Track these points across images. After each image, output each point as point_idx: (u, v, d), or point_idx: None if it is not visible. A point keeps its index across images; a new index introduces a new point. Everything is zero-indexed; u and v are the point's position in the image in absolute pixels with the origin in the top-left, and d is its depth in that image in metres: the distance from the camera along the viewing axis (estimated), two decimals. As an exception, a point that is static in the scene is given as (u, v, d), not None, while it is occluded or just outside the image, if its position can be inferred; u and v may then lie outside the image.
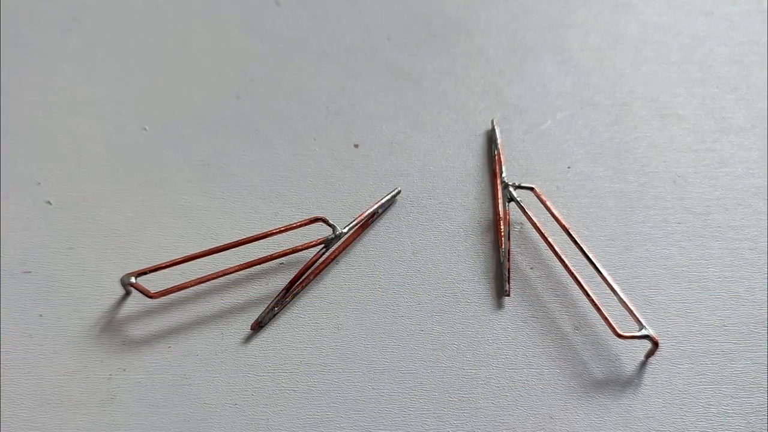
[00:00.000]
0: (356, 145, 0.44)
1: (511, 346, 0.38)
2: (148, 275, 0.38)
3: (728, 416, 0.36)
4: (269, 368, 0.38)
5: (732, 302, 0.39)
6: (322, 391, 0.37)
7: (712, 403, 0.36)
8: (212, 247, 0.39)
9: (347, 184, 0.44)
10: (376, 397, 0.37)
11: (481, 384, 0.37)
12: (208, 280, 0.39)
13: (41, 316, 0.39)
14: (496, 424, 0.36)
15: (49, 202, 0.43)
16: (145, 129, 0.46)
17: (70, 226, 0.42)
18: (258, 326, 0.39)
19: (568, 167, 0.43)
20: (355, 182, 0.44)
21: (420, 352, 0.38)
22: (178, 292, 0.39)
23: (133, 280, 0.38)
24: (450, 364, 0.38)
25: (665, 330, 0.38)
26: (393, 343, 0.38)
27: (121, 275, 0.38)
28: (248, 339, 0.39)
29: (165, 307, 0.39)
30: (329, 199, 0.43)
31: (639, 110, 0.46)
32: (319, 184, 0.44)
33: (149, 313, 0.39)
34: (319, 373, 0.38)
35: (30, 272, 0.40)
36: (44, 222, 0.42)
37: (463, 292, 0.40)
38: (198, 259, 0.39)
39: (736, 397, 0.36)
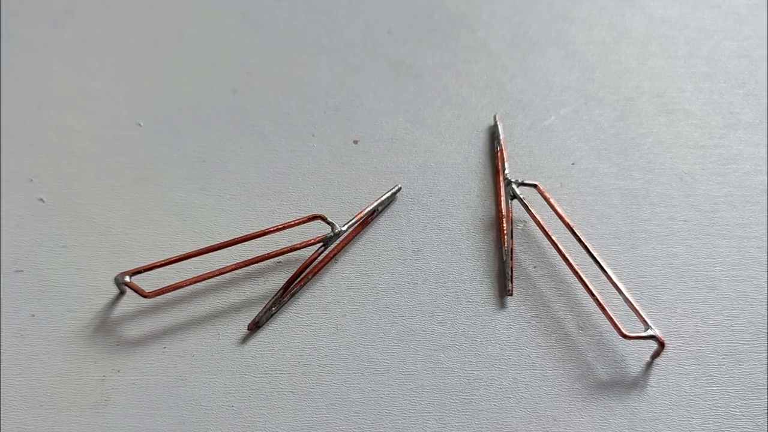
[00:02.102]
0: (356, 141, 0.44)
1: (513, 347, 0.38)
2: (142, 274, 0.38)
3: (735, 418, 0.35)
4: (267, 369, 0.37)
5: (740, 302, 0.38)
6: (320, 392, 0.36)
7: (719, 405, 0.36)
8: (208, 245, 0.38)
9: (346, 181, 0.43)
10: (376, 398, 0.36)
11: (483, 386, 0.36)
12: (204, 279, 0.38)
13: (34, 316, 0.38)
14: (499, 426, 0.35)
15: (41, 200, 0.42)
16: (140, 125, 0.45)
17: (63, 223, 0.41)
18: (255, 326, 0.38)
19: (573, 164, 0.42)
20: (355, 179, 0.43)
21: (421, 353, 0.37)
22: (174, 292, 0.38)
23: (127, 279, 0.37)
24: (451, 365, 0.37)
25: (671, 330, 0.37)
26: (393, 344, 0.38)
27: (115, 274, 0.38)
28: (245, 339, 0.38)
29: (160, 306, 0.39)
30: (328, 197, 0.42)
31: (645, 106, 0.45)
32: (317, 182, 0.43)
33: (144, 313, 0.39)
34: (318, 374, 0.37)
35: (22, 271, 0.40)
36: (37, 220, 0.41)
37: (465, 291, 0.39)
38: (194, 258, 0.38)
39: (743, 399, 0.36)
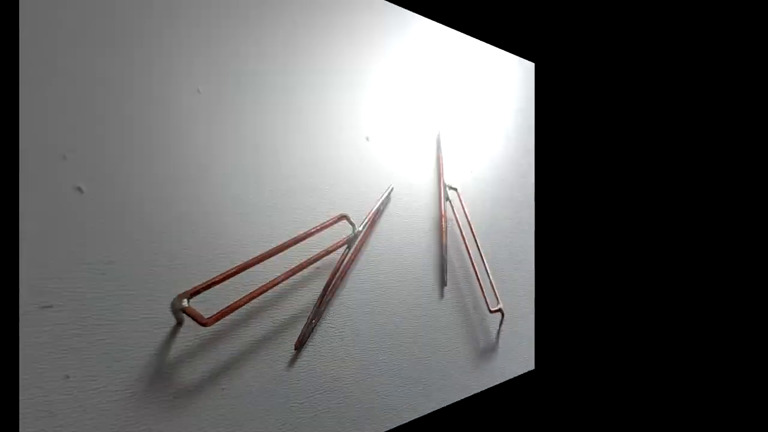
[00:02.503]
0: (367, 138, 0.40)
1: (445, 330, 0.43)
2: (201, 294, 0.28)
3: (511, 353, 0.51)
4: (309, 390, 0.33)
5: (523, 278, 0.53)
6: (347, 405, 0.35)
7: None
8: (265, 252, 0.31)
9: (357, 178, 0.39)
10: (378, 399, 0.38)
11: (435, 369, 0.42)
12: (260, 294, 0.30)
13: (68, 377, 0.24)
14: (441, 401, 0.42)
15: (79, 189, 0.24)
16: (198, 91, 0.30)
17: (111, 226, 0.25)
18: (300, 344, 0.33)
19: (471, 172, 0.49)
20: (362, 177, 0.39)
21: (403, 348, 0.40)
22: (231, 314, 0.29)
23: (185, 303, 0.27)
24: (420, 355, 0.41)
25: (506, 303, 0.50)
26: (391, 342, 0.39)
27: (172, 297, 0.27)
28: (293, 361, 0.33)
29: (215, 335, 0.29)
30: (340, 194, 0.38)
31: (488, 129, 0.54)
32: (339, 178, 0.38)
33: (200, 347, 0.29)
34: (347, 386, 0.35)
35: (51, 306, 0.23)
36: (72, 221, 0.24)
37: (425, 285, 0.42)
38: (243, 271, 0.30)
39: (522, 341, 0.52)
